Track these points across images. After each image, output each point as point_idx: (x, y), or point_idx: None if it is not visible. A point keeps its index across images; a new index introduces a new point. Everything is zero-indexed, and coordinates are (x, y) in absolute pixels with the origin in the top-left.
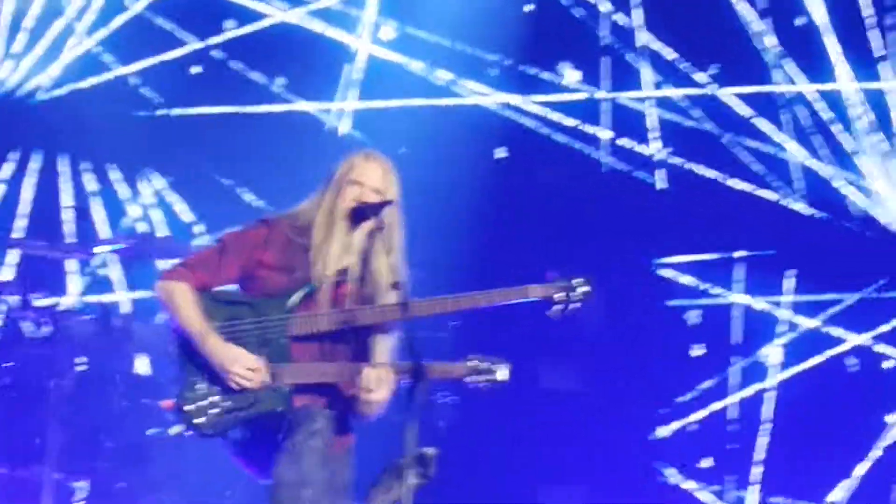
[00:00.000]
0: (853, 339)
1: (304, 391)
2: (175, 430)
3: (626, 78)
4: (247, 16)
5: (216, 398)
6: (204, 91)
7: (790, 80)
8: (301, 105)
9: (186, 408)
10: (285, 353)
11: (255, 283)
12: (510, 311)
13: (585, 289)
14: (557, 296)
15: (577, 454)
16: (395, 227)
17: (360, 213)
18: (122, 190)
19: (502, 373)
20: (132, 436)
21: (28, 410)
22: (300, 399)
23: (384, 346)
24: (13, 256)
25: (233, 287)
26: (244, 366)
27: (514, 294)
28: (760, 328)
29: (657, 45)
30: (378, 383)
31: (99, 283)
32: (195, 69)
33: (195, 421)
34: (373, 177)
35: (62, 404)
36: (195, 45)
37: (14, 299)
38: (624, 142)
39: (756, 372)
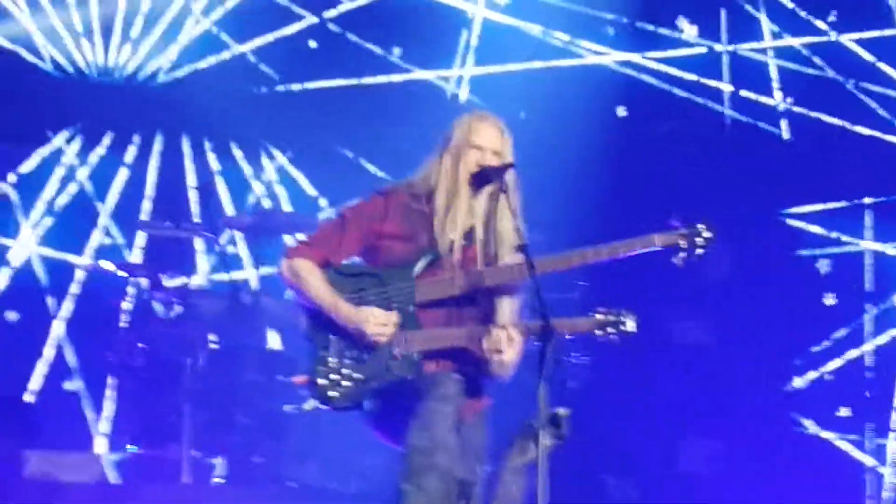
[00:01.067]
0: None
1: (433, 357)
2: (310, 404)
3: (744, 29)
4: None
5: (347, 371)
6: (322, 64)
7: None
8: (419, 74)
9: (320, 382)
10: (412, 321)
11: (377, 254)
12: (638, 269)
13: (708, 234)
14: (681, 242)
15: (713, 408)
16: (514, 189)
17: (482, 177)
18: (246, 167)
19: (630, 323)
20: (267, 411)
21: (162, 390)
22: (429, 365)
23: (509, 307)
24: (141, 239)
25: (356, 259)
26: (376, 322)
27: (638, 244)
28: (893, 274)
29: None
30: (507, 343)
31: (227, 261)
32: (312, 43)
33: (329, 394)
34: (491, 139)
35: (196, 382)
36: (311, 19)
37: (144, 281)
38: (746, 94)
39: (891, 318)
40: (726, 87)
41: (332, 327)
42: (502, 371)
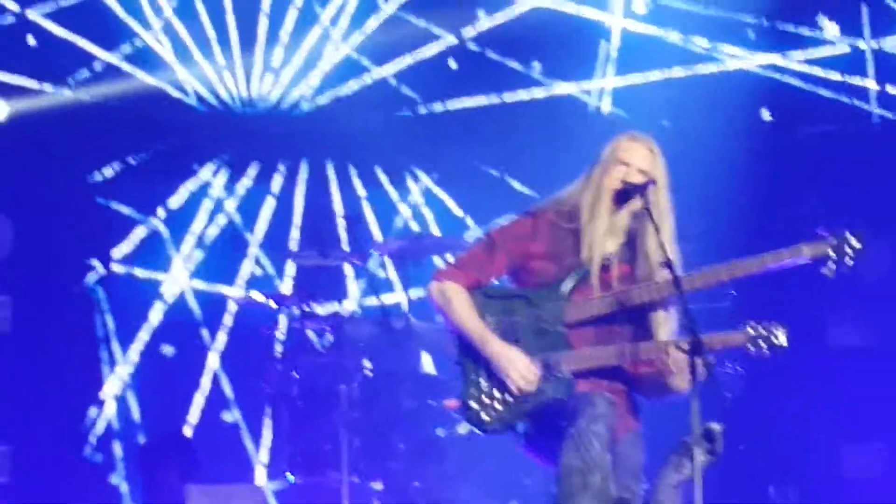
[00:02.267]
0: None
1: (584, 377)
2: (463, 428)
3: (887, 23)
4: (497, 3)
5: (500, 394)
6: (463, 84)
7: None
8: (560, 87)
9: (472, 406)
10: (562, 341)
11: (525, 274)
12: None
13: (858, 245)
14: (830, 252)
15: (874, 411)
16: (663, 206)
17: (625, 194)
18: (391, 191)
19: (781, 337)
20: (423, 434)
21: (318, 418)
22: (582, 385)
23: (665, 323)
24: (291, 268)
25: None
26: (521, 370)
27: (786, 255)
28: None
29: None
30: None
31: (377, 286)
32: (452, 63)
33: (482, 417)
34: (638, 157)
35: (351, 409)
36: (450, 39)
37: (296, 310)
38: (893, 90)
39: None
40: (872, 85)
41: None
42: (683, 387)
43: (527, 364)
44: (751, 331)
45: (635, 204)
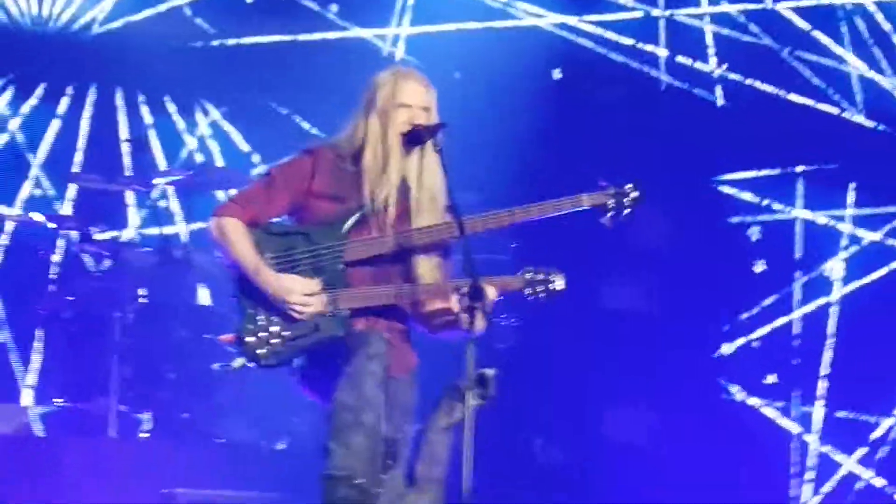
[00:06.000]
0: None
1: (362, 315)
2: (238, 362)
3: None
4: None
5: (276, 328)
6: (258, 20)
7: None
8: (355, 31)
9: (248, 340)
10: (341, 279)
11: (306, 213)
12: (570, 235)
13: (636, 194)
14: (609, 202)
15: (640, 374)
16: (440, 147)
17: (414, 136)
18: (179, 121)
19: (559, 281)
20: (195, 367)
21: (91, 343)
22: (358, 323)
23: (428, 265)
24: (72, 191)
25: (285, 219)
26: (301, 292)
27: (566, 203)
28: (823, 242)
29: None
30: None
31: (158, 215)
32: None
33: (257, 352)
34: (418, 95)
35: (125, 337)
36: None
37: (74, 234)
38: (682, 59)
39: (819, 286)
40: (662, 52)
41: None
42: (479, 327)
43: (308, 284)
44: (528, 275)
45: (422, 146)
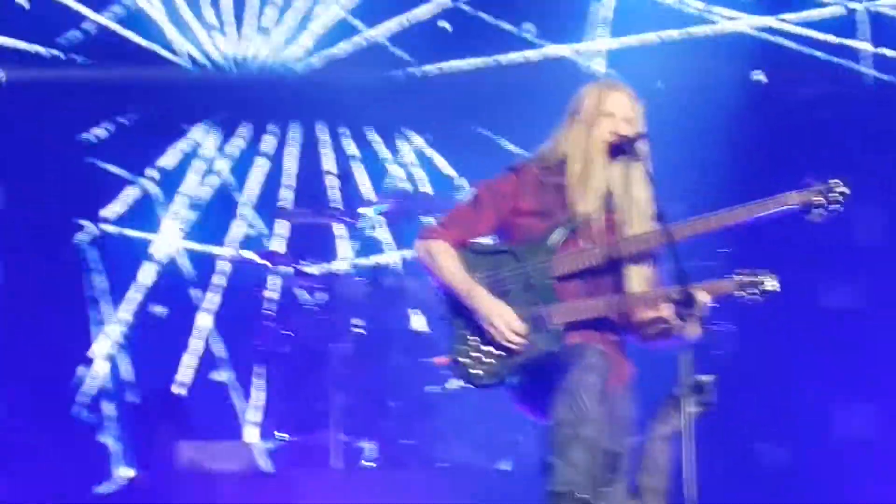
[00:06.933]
0: None
1: (575, 329)
2: (453, 384)
3: None
4: None
5: (489, 347)
6: (456, 45)
7: None
8: (553, 49)
9: (462, 361)
10: (551, 294)
11: (512, 231)
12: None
13: (843, 189)
14: (817, 199)
15: (861, 371)
16: (647, 157)
17: (616, 146)
18: (383, 152)
19: (771, 282)
20: (414, 393)
21: (310, 376)
22: (573, 337)
23: (638, 275)
24: (283, 227)
25: (491, 238)
26: (507, 323)
27: (772, 203)
28: None
29: None
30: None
31: (369, 246)
32: (445, 24)
33: (472, 372)
34: (622, 106)
35: (342, 368)
36: (443, 0)
37: (287, 269)
38: (886, 51)
39: None
40: (865, 46)
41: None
42: (694, 335)
43: (513, 316)
44: (739, 277)
45: (626, 156)
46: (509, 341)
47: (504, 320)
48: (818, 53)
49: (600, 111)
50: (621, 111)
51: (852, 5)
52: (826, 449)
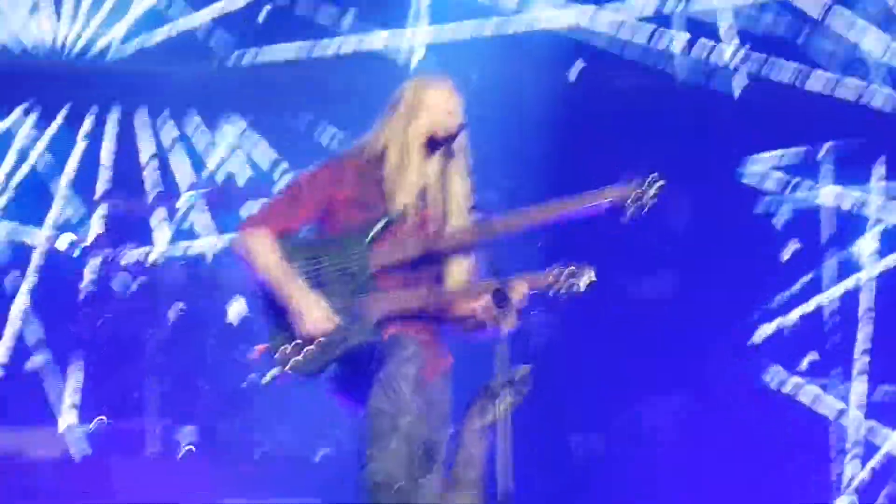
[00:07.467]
0: None
1: (393, 320)
2: (271, 374)
3: None
4: None
5: (308, 339)
6: (273, 34)
7: None
8: (371, 39)
9: (280, 350)
10: (370, 285)
11: (332, 222)
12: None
13: (660, 183)
14: (634, 193)
15: (678, 363)
16: (465, 150)
17: (435, 140)
18: (202, 138)
19: (588, 276)
20: (232, 380)
21: (127, 362)
22: (391, 328)
23: (458, 267)
24: (101, 213)
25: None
26: (316, 319)
27: (590, 198)
28: (852, 221)
29: None
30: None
31: (186, 232)
32: (262, 13)
33: (289, 363)
34: (442, 100)
35: (160, 354)
36: None
37: (104, 254)
38: (697, 52)
39: (850, 266)
40: (677, 47)
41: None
42: (509, 326)
43: (324, 312)
44: (557, 271)
45: (444, 148)
46: (314, 336)
47: (311, 314)
48: (631, 51)
49: (420, 104)
50: (441, 104)
51: (666, 6)
52: (637, 439)
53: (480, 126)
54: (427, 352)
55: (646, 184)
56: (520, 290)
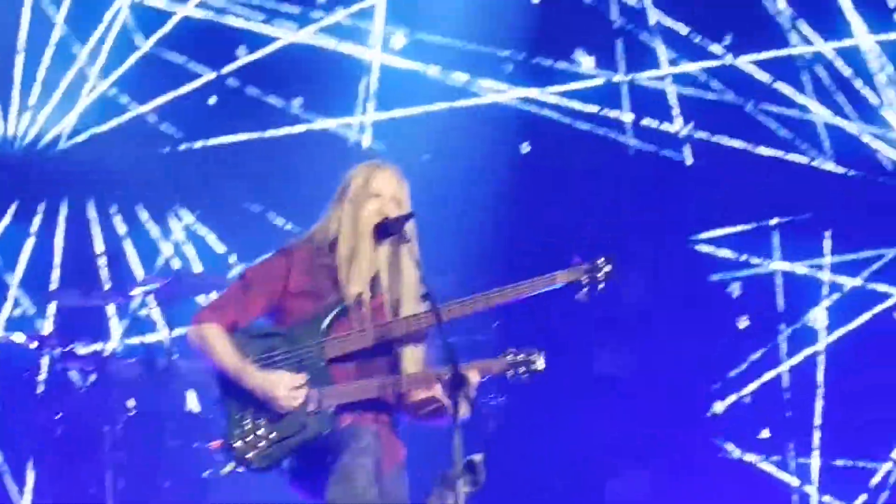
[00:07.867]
0: None
1: (348, 410)
2: (228, 468)
3: (641, 58)
4: (257, 41)
5: (262, 431)
6: (223, 120)
7: (806, 41)
8: (321, 123)
9: (236, 445)
10: (324, 377)
11: (285, 312)
12: (550, 305)
13: (608, 268)
14: (583, 278)
15: (635, 439)
16: (414, 236)
17: (384, 227)
18: (153, 229)
19: (539, 362)
20: (189, 474)
21: (83, 458)
22: (345, 419)
23: (412, 355)
24: (52, 308)
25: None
26: (288, 386)
27: (541, 283)
28: (804, 293)
29: (669, 22)
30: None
31: (140, 325)
32: (212, 99)
33: (246, 456)
34: (390, 187)
35: (116, 449)
36: (209, 75)
37: (57, 350)
38: (647, 122)
39: (805, 337)
40: (627, 117)
41: (245, 388)
42: (463, 413)
43: (292, 377)
44: (509, 357)
45: (393, 237)
46: (293, 398)
47: (282, 385)
48: (582, 125)
49: (367, 191)
50: (388, 191)
51: (615, 77)
52: None
53: (432, 205)
54: (382, 442)
55: (595, 268)
56: (472, 377)
